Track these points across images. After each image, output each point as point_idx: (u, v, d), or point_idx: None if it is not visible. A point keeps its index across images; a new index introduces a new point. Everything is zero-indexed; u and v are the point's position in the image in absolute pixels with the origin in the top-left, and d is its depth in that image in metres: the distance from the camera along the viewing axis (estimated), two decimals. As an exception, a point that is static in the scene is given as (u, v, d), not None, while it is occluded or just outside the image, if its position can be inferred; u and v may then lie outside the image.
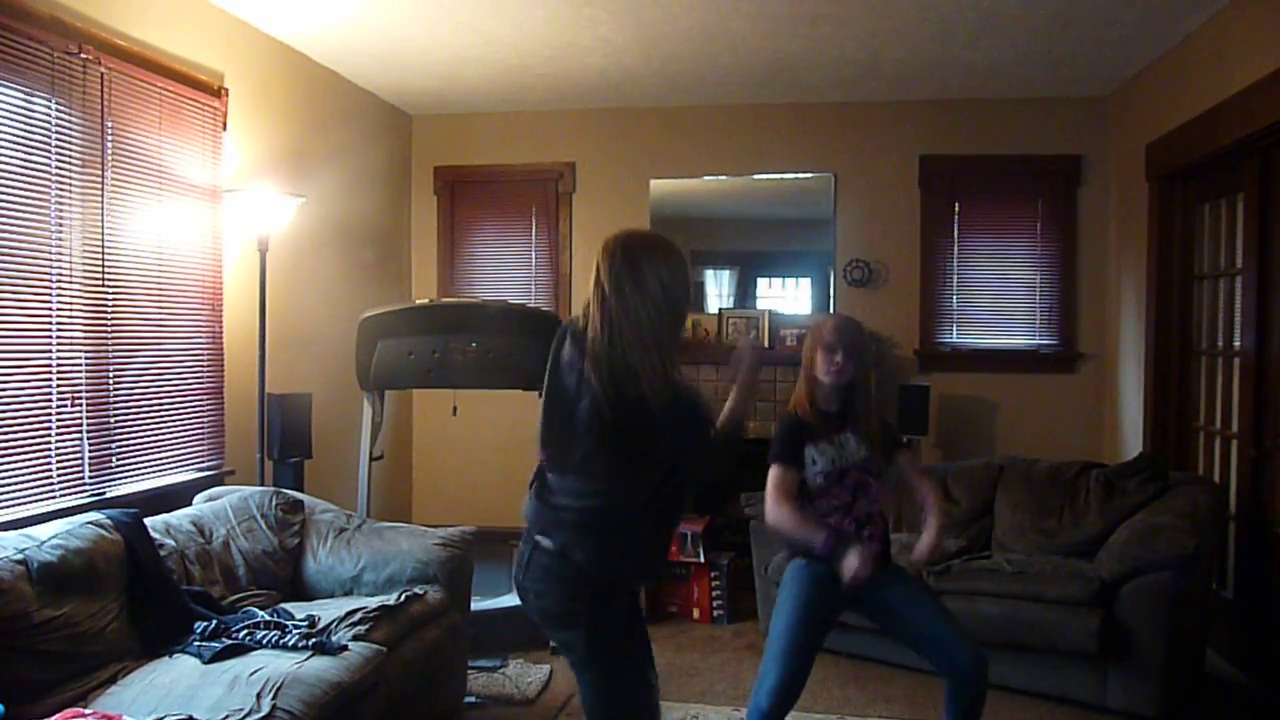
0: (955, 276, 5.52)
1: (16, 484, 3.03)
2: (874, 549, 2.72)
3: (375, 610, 2.99)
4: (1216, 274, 4.28)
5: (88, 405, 3.29)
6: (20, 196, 3.02)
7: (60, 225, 3.17)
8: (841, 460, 2.76)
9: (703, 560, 4.60)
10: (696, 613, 4.63)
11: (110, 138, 3.38)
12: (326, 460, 4.47)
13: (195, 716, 2.32)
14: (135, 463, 3.53)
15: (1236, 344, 4.05)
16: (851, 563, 2.58)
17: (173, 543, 3.10)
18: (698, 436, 2.09)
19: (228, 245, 4.05)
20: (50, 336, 3.14)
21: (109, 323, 3.39)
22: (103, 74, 3.33)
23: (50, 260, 3.14)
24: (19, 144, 3.02)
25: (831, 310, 5.56)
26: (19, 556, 2.54)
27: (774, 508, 2.72)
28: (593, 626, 2.10)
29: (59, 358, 3.18)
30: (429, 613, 3.21)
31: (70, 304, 3.21)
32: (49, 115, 3.13)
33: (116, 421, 3.43)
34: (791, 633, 2.67)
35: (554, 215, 5.86)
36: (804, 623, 2.68)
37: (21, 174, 3.03)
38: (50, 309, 3.14)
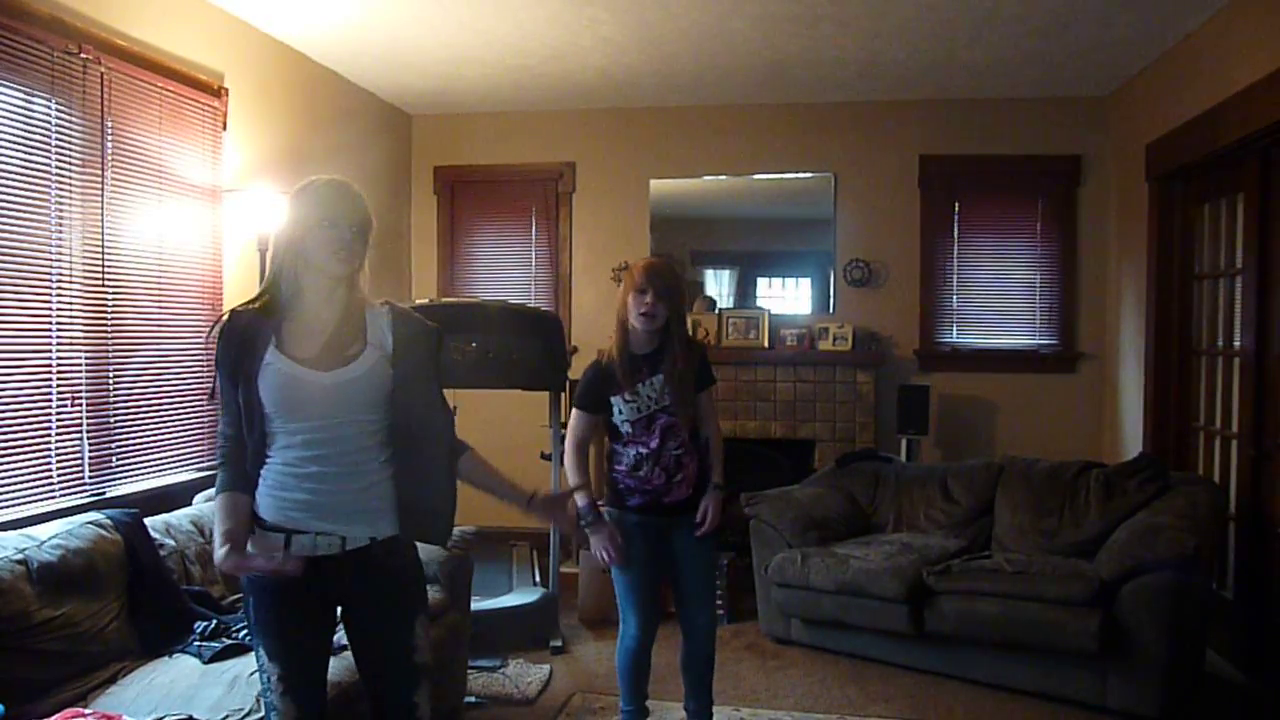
0: (955, 276, 5.52)
1: (16, 484, 3.03)
2: (681, 494, 2.94)
3: (375, 610, 2.99)
4: (1216, 274, 4.28)
5: (88, 405, 3.29)
6: (20, 196, 3.02)
7: (60, 225, 3.17)
8: (647, 406, 2.88)
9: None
10: (696, 613, 4.63)
11: (110, 138, 3.38)
12: (326, 460, 4.46)
13: (195, 716, 2.32)
14: (135, 463, 3.53)
15: (1236, 344, 4.05)
16: (594, 545, 2.89)
17: (173, 542, 3.10)
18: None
19: (228, 245, 4.05)
20: (50, 336, 3.14)
21: (109, 323, 3.39)
22: (103, 74, 3.33)
23: (50, 260, 3.14)
24: (19, 144, 3.02)
25: (832, 310, 5.58)
26: (19, 556, 2.54)
27: (568, 450, 2.96)
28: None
29: (59, 358, 3.18)
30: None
31: (70, 304, 3.21)
32: (49, 115, 3.13)
33: (116, 421, 3.43)
34: (631, 584, 2.96)
35: (554, 215, 5.86)
36: (635, 570, 2.93)
37: (21, 174, 3.03)
38: (50, 309, 3.14)
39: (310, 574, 2.01)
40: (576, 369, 5.64)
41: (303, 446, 2.02)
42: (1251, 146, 3.76)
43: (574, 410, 2.97)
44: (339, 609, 2.17)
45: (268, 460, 2.04)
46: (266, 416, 2.02)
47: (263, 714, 2.12)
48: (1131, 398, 4.95)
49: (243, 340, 2.02)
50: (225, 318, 2.06)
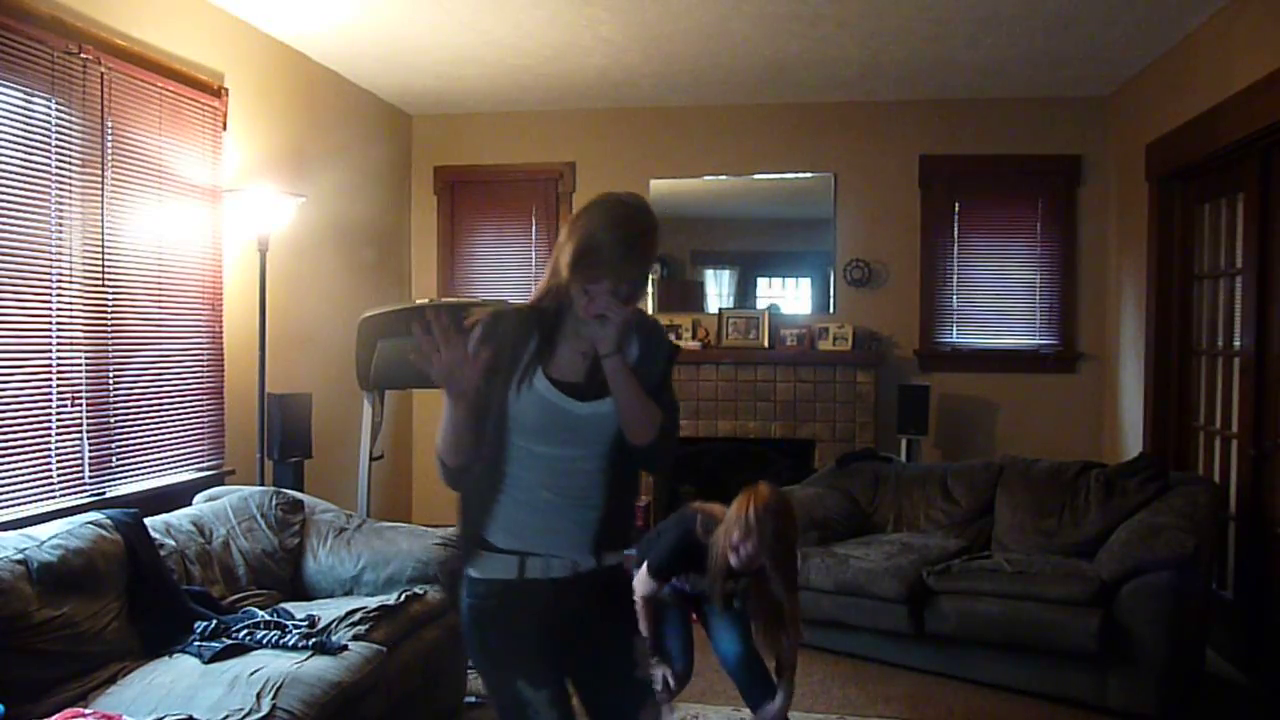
0: (955, 276, 5.53)
1: (16, 484, 3.03)
2: None
3: (375, 610, 2.99)
4: (1216, 274, 4.28)
5: (88, 405, 3.29)
6: (20, 196, 3.02)
7: (60, 225, 3.17)
8: (694, 589, 2.94)
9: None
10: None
11: (110, 138, 3.38)
12: (326, 460, 4.47)
13: (195, 716, 2.32)
14: (135, 463, 3.53)
15: (1236, 344, 4.05)
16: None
17: (173, 543, 3.10)
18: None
19: (228, 245, 4.05)
20: (50, 336, 3.14)
21: (109, 323, 3.39)
22: (103, 74, 3.33)
23: (50, 260, 3.14)
24: (19, 144, 3.02)
25: (832, 310, 5.57)
26: (19, 556, 2.54)
27: (640, 607, 2.74)
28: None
29: (59, 358, 3.18)
30: (429, 613, 3.21)
31: (70, 304, 3.21)
32: (49, 115, 3.13)
33: (116, 421, 3.43)
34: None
35: (554, 215, 5.86)
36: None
37: (21, 174, 3.03)
38: (50, 309, 3.14)
39: (539, 598, 1.93)
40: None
41: (544, 472, 1.91)
42: (1251, 146, 3.76)
43: (650, 577, 2.81)
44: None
45: (504, 479, 1.92)
46: (513, 431, 1.90)
47: None
48: (1131, 398, 4.95)
49: (504, 342, 1.90)
50: (489, 316, 1.92)
